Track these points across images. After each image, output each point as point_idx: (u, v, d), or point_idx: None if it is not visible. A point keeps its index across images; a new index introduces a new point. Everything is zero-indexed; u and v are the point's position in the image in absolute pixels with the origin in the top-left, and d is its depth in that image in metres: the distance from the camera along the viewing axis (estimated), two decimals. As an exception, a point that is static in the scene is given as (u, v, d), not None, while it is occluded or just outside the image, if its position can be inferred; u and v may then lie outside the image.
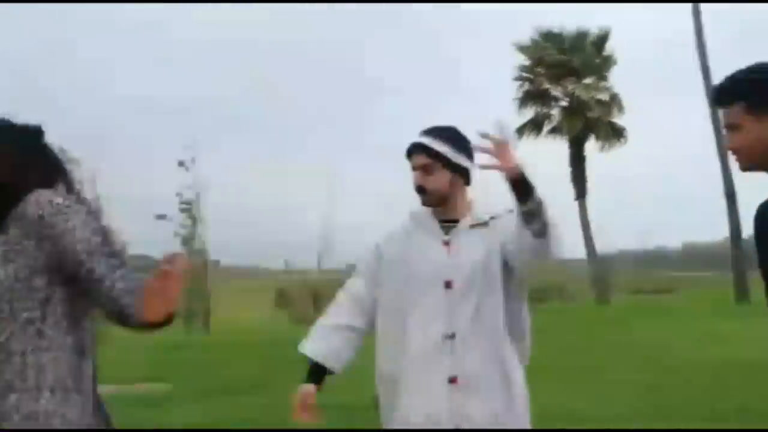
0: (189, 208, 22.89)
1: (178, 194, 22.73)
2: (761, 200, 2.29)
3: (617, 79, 28.21)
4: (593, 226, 27.83)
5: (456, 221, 2.85)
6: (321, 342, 2.87)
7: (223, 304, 24.30)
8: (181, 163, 22.60)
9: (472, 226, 2.84)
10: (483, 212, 2.88)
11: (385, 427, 2.87)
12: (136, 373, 10.31)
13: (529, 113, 28.28)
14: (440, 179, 2.81)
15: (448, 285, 2.77)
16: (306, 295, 22.69)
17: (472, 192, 2.92)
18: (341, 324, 2.87)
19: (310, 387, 2.84)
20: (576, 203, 27.54)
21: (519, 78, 28.38)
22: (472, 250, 2.80)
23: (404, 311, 2.79)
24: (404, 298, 2.80)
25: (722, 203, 22.74)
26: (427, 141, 2.83)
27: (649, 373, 8.92)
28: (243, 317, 25.08)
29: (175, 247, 23.42)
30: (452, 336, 2.74)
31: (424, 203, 2.86)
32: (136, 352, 12.75)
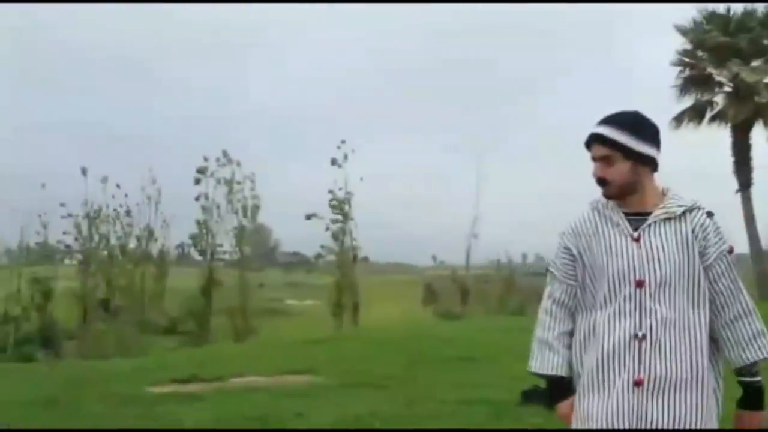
0: (340, 205, 23.40)
1: (330, 191, 23.28)
2: None
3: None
4: (758, 220, 26.21)
5: (645, 214, 2.68)
6: (549, 356, 2.78)
7: (372, 300, 24.64)
8: (333, 161, 23.15)
9: (664, 220, 2.67)
10: (675, 203, 2.69)
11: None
12: (286, 365, 10.52)
13: (689, 100, 26.96)
14: (621, 170, 2.67)
15: (639, 284, 2.62)
16: (453, 291, 22.62)
17: (662, 180, 2.76)
18: (562, 331, 2.79)
19: (566, 404, 2.76)
20: (739, 195, 26.04)
21: (679, 63, 27.07)
22: (664, 247, 2.64)
23: (593, 309, 2.70)
24: (597, 296, 2.69)
25: None
26: (604, 131, 2.70)
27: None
28: (391, 312, 25.32)
29: (327, 243, 24.05)
30: (642, 337, 2.58)
31: (606, 195, 2.73)
32: (286, 346, 13.07)
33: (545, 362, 2.76)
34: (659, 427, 2.55)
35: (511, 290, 22.94)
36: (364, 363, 10.43)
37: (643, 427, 2.55)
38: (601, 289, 2.67)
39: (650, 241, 2.64)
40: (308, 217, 23.63)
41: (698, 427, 2.57)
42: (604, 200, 2.75)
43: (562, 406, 2.75)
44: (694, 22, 26.75)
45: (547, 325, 2.79)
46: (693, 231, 2.65)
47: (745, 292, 2.69)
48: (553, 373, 2.74)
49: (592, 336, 2.68)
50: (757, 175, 26.06)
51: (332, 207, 23.56)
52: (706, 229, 2.67)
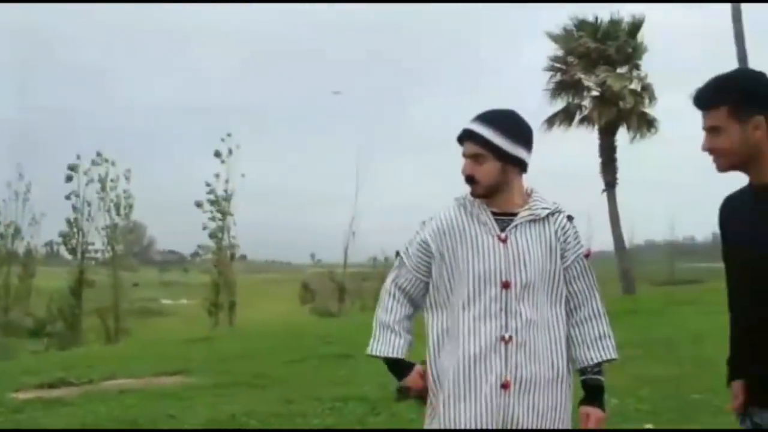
0: (219, 202, 23.02)
1: (208, 184, 22.86)
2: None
3: (651, 68, 27.80)
4: (622, 218, 27.53)
5: (511, 214, 2.68)
6: (391, 338, 2.77)
7: (249, 298, 24.39)
8: (217, 154, 22.71)
9: (530, 221, 2.68)
10: (540, 206, 2.71)
11: (428, 424, 2.77)
12: (159, 367, 10.30)
13: (560, 103, 27.98)
14: (490, 170, 2.65)
15: (505, 285, 2.61)
16: (330, 289, 22.65)
17: (529, 182, 2.77)
18: (404, 315, 2.80)
19: (413, 376, 2.77)
20: (605, 194, 27.24)
21: (551, 68, 28.08)
22: (530, 248, 2.66)
23: (457, 311, 2.64)
24: (457, 297, 2.64)
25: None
26: (479, 129, 2.66)
27: (674, 366, 8.74)
28: (268, 311, 25.14)
29: (205, 241, 23.61)
30: (509, 339, 2.59)
31: (473, 194, 2.69)
32: (160, 346, 12.79)
33: (388, 344, 2.74)
34: (524, 428, 2.59)
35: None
36: (239, 362, 10.34)
37: (508, 426, 2.58)
38: (464, 290, 2.62)
39: (517, 243, 2.64)
40: (198, 204, 23.14)
41: (558, 425, 2.64)
42: (470, 197, 2.71)
43: (411, 379, 2.75)
44: (565, 29, 27.81)
45: (390, 307, 2.78)
46: (555, 233, 2.69)
47: (598, 295, 2.77)
48: (395, 355, 2.73)
49: (449, 338, 2.65)
50: (621, 176, 27.34)
51: (211, 203, 23.15)
52: (566, 232, 2.72)
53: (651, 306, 17.74)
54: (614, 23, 27.39)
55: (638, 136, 27.17)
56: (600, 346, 2.72)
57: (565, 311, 2.71)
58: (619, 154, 27.43)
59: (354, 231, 23.28)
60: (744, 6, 22.49)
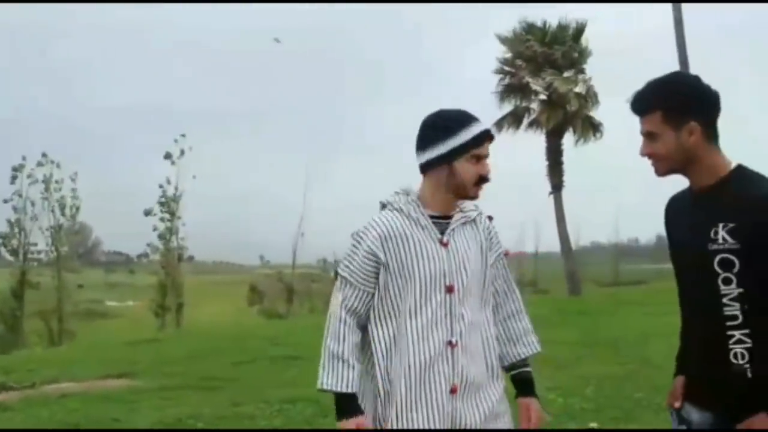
0: (169, 203, 22.74)
1: (161, 186, 22.59)
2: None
3: (596, 72, 28.25)
4: (568, 220, 27.92)
5: (446, 217, 2.69)
6: (343, 371, 2.62)
7: (197, 300, 24.14)
8: (167, 156, 22.43)
9: (463, 224, 2.71)
10: (468, 207, 2.74)
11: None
12: (104, 370, 10.13)
13: (509, 106, 28.26)
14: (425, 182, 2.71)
15: (449, 290, 2.62)
16: (279, 290, 22.53)
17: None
18: (355, 343, 2.66)
19: (353, 421, 2.61)
20: (552, 197, 27.59)
21: (500, 71, 28.36)
22: (467, 251, 2.68)
23: (404, 318, 2.61)
24: (404, 305, 2.61)
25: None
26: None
27: (617, 365, 8.88)
28: (216, 312, 24.91)
29: (153, 242, 23.29)
30: (455, 343, 2.61)
31: (476, 196, 2.70)
32: (105, 349, 12.58)
33: (340, 378, 2.60)
34: (472, 425, 2.62)
35: (338, 289, 23.16)
36: (186, 365, 10.21)
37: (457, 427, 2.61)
38: (410, 297, 2.60)
39: (456, 246, 2.66)
40: (146, 213, 22.82)
41: (500, 424, 2.70)
42: (402, 200, 2.68)
43: (349, 423, 2.61)
44: (514, 32, 28.12)
45: (342, 335, 2.63)
46: (483, 234, 2.74)
47: (517, 292, 2.85)
48: (347, 390, 2.59)
49: (397, 346, 2.61)
50: (567, 179, 27.72)
51: (161, 204, 22.87)
52: (490, 232, 2.77)
53: (597, 307, 18.01)
54: (562, 28, 27.79)
55: (582, 139, 27.62)
56: (526, 342, 2.81)
57: (491, 310, 2.77)
58: (566, 157, 27.84)
59: (303, 232, 23.23)
60: (685, 8, 22.96)
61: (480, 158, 2.64)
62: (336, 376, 2.60)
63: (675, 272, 2.55)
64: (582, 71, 27.89)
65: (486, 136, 2.67)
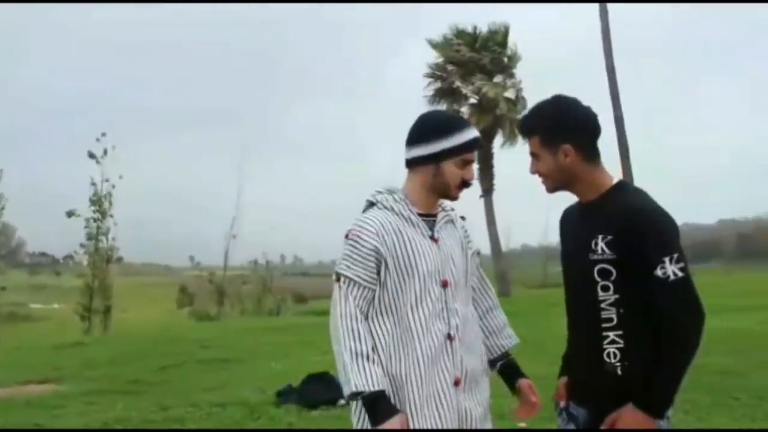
0: (100, 202, 22.22)
1: (93, 184, 22.05)
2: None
3: (526, 77, 28.69)
4: (499, 222, 28.33)
5: (431, 215, 2.77)
6: (371, 369, 2.54)
7: (126, 302, 23.68)
8: (91, 155, 21.87)
9: (446, 222, 2.81)
10: (447, 206, 2.84)
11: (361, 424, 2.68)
12: (27, 374, 9.86)
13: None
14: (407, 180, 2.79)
15: (444, 284, 2.68)
16: (209, 292, 22.24)
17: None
18: (373, 341, 2.61)
19: (399, 419, 2.52)
20: (482, 200, 27.93)
21: (431, 75, 28.58)
22: (454, 247, 2.78)
23: (405, 313, 2.63)
24: (405, 299, 2.63)
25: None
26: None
27: (545, 365, 9.03)
28: (145, 315, 24.49)
29: (81, 242, 22.70)
30: (453, 337, 2.67)
31: (457, 197, 2.79)
32: (29, 353, 12.25)
33: (371, 377, 2.52)
34: (476, 421, 2.71)
35: (268, 291, 22.96)
36: (114, 368, 10.02)
37: (464, 425, 2.67)
38: (410, 291, 2.63)
39: (445, 243, 2.74)
40: (69, 214, 22.22)
41: (488, 415, 2.82)
42: (390, 199, 2.73)
43: (394, 423, 2.51)
44: (445, 37, 28.39)
45: (361, 334, 2.57)
46: (461, 233, 2.85)
47: (491, 288, 2.98)
48: (379, 388, 2.52)
49: (399, 342, 2.62)
50: (498, 182, 28.10)
51: (92, 203, 22.31)
52: (466, 231, 2.88)
53: (526, 308, 18.31)
54: (491, 33, 28.17)
55: (509, 143, 28.06)
56: (506, 334, 2.94)
57: (472, 305, 2.86)
58: (496, 161, 28.22)
59: (234, 233, 22.99)
60: (611, 10, 23.48)
61: (467, 163, 2.74)
62: (367, 376, 2.52)
63: (563, 280, 2.72)
64: (512, 76, 28.34)
65: (477, 143, 2.76)
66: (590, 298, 2.49)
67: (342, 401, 7.16)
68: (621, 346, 2.45)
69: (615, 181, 2.58)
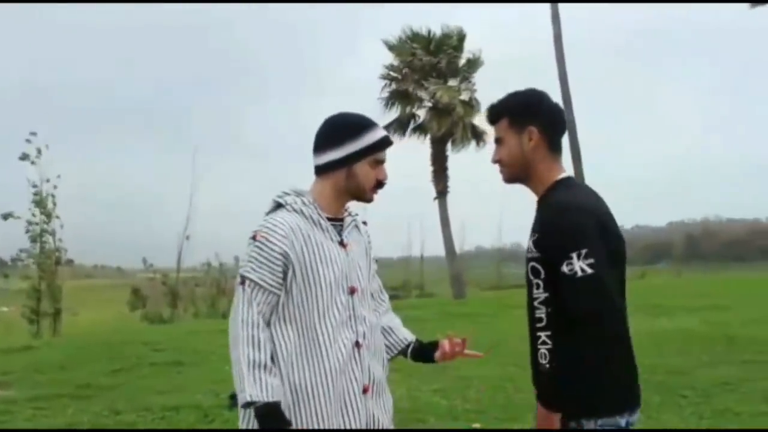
0: (43, 203, 21.74)
1: (35, 186, 21.53)
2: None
3: (482, 81, 28.87)
4: (453, 225, 28.46)
5: (338, 219, 2.73)
6: (268, 379, 2.49)
7: (77, 305, 23.27)
8: (24, 157, 21.33)
9: (353, 227, 2.79)
10: (352, 211, 2.82)
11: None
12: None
13: (395, 112, 28.52)
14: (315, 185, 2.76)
15: (352, 291, 2.66)
16: (162, 294, 21.95)
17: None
18: (271, 349, 2.55)
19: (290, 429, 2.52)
20: (436, 202, 28.03)
21: (386, 77, 28.60)
22: (360, 253, 2.75)
23: (312, 321, 2.57)
24: (311, 307, 2.57)
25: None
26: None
27: (499, 367, 9.10)
28: (97, 318, 24.10)
29: (26, 245, 22.21)
30: (360, 344, 2.64)
31: (371, 200, 2.77)
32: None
33: (266, 387, 2.46)
34: (383, 427, 2.69)
35: (222, 293, 22.78)
36: (63, 373, 9.83)
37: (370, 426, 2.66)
38: (317, 299, 2.57)
39: (353, 248, 2.71)
40: (5, 216, 21.70)
41: (391, 418, 2.77)
42: (299, 201, 2.66)
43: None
44: (400, 39, 28.43)
45: (260, 342, 2.51)
46: (365, 238, 2.84)
47: (386, 294, 2.99)
48: (274, 399, 2.47)
49: (304, 351, 2.57)
50: (452, 184, 28.24)
51: (36, 204, 21.80)
52: (369, 236, 2.87)
53: (480, 310, 18.41)
54: (446, 37, 28.28)
55: (462, 146, 28.21)
56: (405, 331, 2.95)
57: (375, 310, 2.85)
58: (451, 164, 28.36)
59: (188, 235, 22.74)
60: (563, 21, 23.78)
61: (379, 163, 2.70)
62: (262, 386, 2.46)
63: None
64: (467, 80, 28.49)
65: (386, 142, 2.73)
66: (529, 297, 2.50)
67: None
68: (549, 346, 2.42)
69: (561, 176, 2.57)
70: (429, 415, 6.82)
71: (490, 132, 2.78)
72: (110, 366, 10.10)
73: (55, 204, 21.38)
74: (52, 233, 21.40)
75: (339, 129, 2.69)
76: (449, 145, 28.09)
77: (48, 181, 21.32)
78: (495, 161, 2.64)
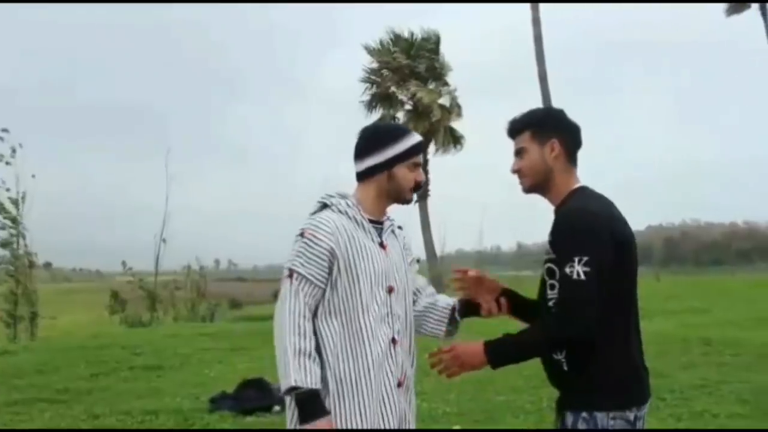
0: (16, 204, 21.48)
1: (8, 189, 21.26)
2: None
3: (460, 84, 28.99)
4: (434, 228, 28.54)
5: (379, 222, 2.88)
6: (311, 367, 2.59)
7: (55, 309, 23.08)
8: (-1, 158, 21.03)
9: (391, 231, 2.92)
10: (390, 216, 2.95)
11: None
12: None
13: (376, 115, 28.56)
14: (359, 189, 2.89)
15: (390, 290, 2.79)
16: (141, 298, 21.78)
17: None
18: (315, 340, 2.66)
19: (326, 420, 2.59)
20: (417, 205, 28.09)
21: (367, 80, 28.64)
22: (399, 255, 2.89)
23: (356, 315, 2.70)
24: (355, 301, 2.70)
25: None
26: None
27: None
28: (75, 322, 23.92)
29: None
30: (396, 341, 2.77)
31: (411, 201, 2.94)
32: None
33: (309, 374, 2.57)
34: (410, 423, 2.83)
35: (202, 296, 22.65)
36: (41, 377, 9.74)
37: (403, 425, 2.78)
38: (360, 294, 2.70)
39: (392, 249, 2.85)
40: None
41: (415, 415, 2.90)
42: (343, 203, 2.80)
43: (322, 423, 2.58)
44: (381, 42, 28.49)
45: (305, 331, 2.62)
46: (401, 242, 2.96)
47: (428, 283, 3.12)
48: (316, 387, 2.58)
49: (347, 343, 2.68)
50: (433, 187, 28.32)
51: (13, 204, 21.49)
52: (406, 240, 3.00)
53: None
54: (425, 40, 28.38)
55: (443, 150, 28.32)
56: (444, 297, 3.07)
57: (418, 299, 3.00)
58: (432, 167, 28.43)
59: (165, 238, 22.57)
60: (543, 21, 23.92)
61: (417, 166, 2.88)
62: (306, 373, 2.57)
63: None
64: (446, 83, 28.59)
65: (422, 146, 2.93)
66: (543, 296, 2.65)
67: (277, 407, 7.11)
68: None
69: (577, 185, 2.72)
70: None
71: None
72: (89, 370, 10.03)
73: (19, 206, 20.96)
74: (23, 236, 21.07)
75: (379, 135, 2.88)
76: (432, 147, 28.16)
77: (15, 188, 20.99)
78: (514, 171, 2.77)
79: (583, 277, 2.44)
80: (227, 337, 12.96)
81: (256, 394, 7.47)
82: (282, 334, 2.62)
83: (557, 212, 2.68)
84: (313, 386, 2.57)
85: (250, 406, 7.24)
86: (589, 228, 2.51)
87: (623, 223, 2.64)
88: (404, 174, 2.84)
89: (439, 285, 28.15)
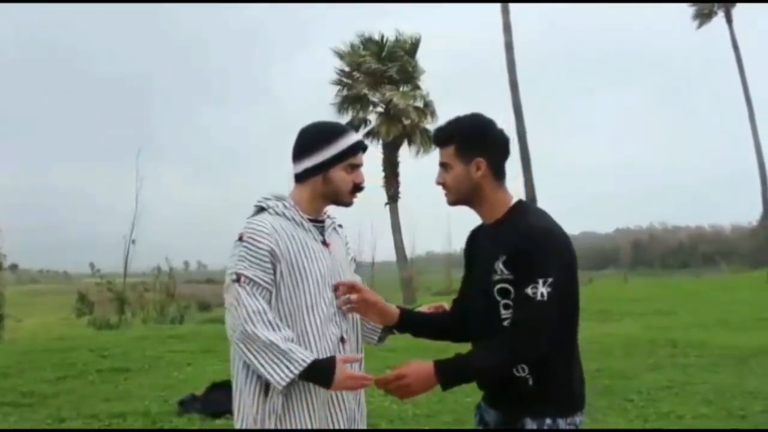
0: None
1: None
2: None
3: (433, 87, 29.13)
4: (404, 230, 28.58)
5: (319, 221, 2.84)
6: (299, 349, 2.59)
7: (21, 311, 22.79)
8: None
9: (333, 229, 2.89)
10: (330, 214, 2.92)
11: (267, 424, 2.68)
12: None
13: (346, 117, 28.54)
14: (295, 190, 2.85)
15: (335, 288, 2.75)
16: (109, 300, 21.55)
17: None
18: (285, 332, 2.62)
19: (341, 368, 2.60)
20: (387, 207, 28.13)
21: (338, 82, 28.63)
22: (342, 253, 2.86)
23: (300, 316, 2.67)
24: (299, 302, 2.67)
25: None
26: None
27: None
28: (42, 324, 23.64)
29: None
30: (344, 340, 2.74)
31: (351, 204, 2.88)
32: None
33: (299, 354, 2.56)
34: (358, 423, 2.81)
35: (171, 298, 22.46)
36: (6, 380, 9.61)
37: (353, 425, 2.77)
38: (305, 294, 2.67)
39: (335, 247, 2.83)
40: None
41: (364, 414, 2.89)
42: (280, 205, 2.76)
43: (342, 370, 2.59)
44: (352, 45, 28.49)
45: (278, 325, 2.59)
46: (343, 240, 2.94)
47: None
48: (311, 359, 2.56)
49: (298, 344, 2.63)
50: (404, 189, 28.38)
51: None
52: (347, 238, 2.98)
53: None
54: (397, 43, 28.41)
55: (421, 151, 28.37)
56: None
57: None
58: (403, 169, 28.49)
59: (134, 239, 22.38)
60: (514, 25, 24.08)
61: (355, 167, 2.80)
62: (297, 356, 2.55)
63: (464, 294, 2.84)
64: (418, 86, 28.66)
65: (360, 147, 2.83)
66: (493, 316, 2.58)
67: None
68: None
69: (514, 201, 2.67)
70: (380, 419, 6.83)
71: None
72: (55, 373, 9.90)
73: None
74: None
75: (313, 137, 2.80)
76: (408, 150, 28.21)
77: None
78: (439, 184, 2.70)
79: (546, 298, 2.42)
80: (196, 339, 12.87)
81: (225, 397, 7.41)
82: (255, 337, 2.55)
83: (508, 227, 2.59)
84: (308, 360, 2.55)
85: (219, 408, 7.20)
86: (555, 250, 2.50)
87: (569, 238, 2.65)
88: (341, 176, 2.78)
89: (408, 287, 28.23)
